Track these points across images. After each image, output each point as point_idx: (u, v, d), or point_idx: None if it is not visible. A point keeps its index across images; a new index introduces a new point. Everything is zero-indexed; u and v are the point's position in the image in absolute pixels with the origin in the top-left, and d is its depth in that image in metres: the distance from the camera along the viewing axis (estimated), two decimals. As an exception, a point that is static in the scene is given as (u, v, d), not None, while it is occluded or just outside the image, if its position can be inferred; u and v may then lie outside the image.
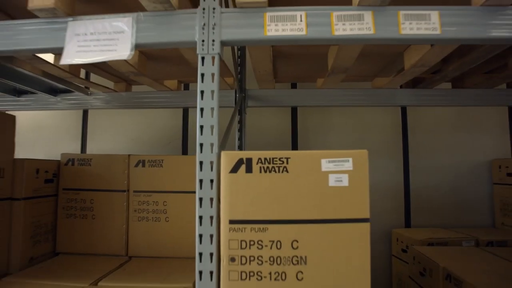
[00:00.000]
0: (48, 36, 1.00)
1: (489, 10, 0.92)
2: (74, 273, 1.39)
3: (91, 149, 2.62)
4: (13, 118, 1.50)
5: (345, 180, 0.81)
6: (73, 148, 2.62)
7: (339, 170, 0.81)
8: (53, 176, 1.70)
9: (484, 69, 1.81)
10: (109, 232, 1.66)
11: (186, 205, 1.62)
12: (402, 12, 0.92)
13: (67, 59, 0.97)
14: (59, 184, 1.72)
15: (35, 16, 1.01)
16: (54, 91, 2.07)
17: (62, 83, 1.89)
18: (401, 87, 2.15)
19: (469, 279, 1.33)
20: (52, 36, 1.00)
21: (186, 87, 2.47)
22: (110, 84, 2.14)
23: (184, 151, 2.53)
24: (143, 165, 1.66)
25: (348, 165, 0.81)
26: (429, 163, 2.49)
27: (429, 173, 2.49)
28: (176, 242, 1.61)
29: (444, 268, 1.53)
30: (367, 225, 0.81)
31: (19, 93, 2.10)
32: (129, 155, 1.69)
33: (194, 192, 1.58)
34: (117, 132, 2.61)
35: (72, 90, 2.03)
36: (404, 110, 2.52)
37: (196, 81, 2.16)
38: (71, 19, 0.99)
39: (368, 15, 0.92)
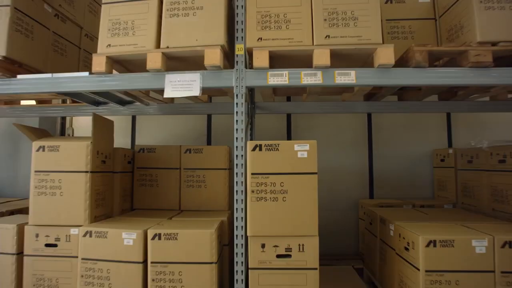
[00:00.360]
0: (155, 81, 1.93)
1: (381, 70, 1.84)
2: (152, 216, 2.32)
3: (138, 142, 3.55)
4: (112, 122, 2.43)
5: (305, 154, 1.73)
6: (126, 142, 3.56)
7: (302, 149, 1.74)
8: (131, 159, 2.64)
9: (414, 88, 2.72)
10: (168, 194, 2.60)
11: (218, 177, 2.55)
12: (336, 71, 1.84)
13: (166, 95, 1.90)
14: (135, 164, 2.66)
15: (146, 71, 1.94)
16: (122, 102, 3.00)
17: (129, 96, 2.82)
18: (364, 97, 3.07)
19: (390, 219, 2.25)
20: (157, 81, 1.93)
21: (209, 100, 3.39)
22: (159, 97, 3.06)
23: (208, 144, 3.47)
24: (190, 152, 2.60)
25: (307, 147, 1.73)
26: (388, 152, 3.42)
27: (388, 160, 3.41)
28: (211, 200, 2.55)
29: (380, 216, 2.45)
30: (316, 176, 1.74)
31: (97, 103, 3.03)
32: (180, 146, 2.63)
33: (224, 169, 2.51)
34: (158, 130, 3.55)
35: (135, 101, 2.97)
36: (369, 115, 3.44)
37: (218, 96, 3.08)
38: (167, 73, 1.92)
39: (319, 73, 1.84)
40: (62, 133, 3.78)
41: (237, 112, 1.83)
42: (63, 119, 3.76)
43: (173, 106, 3.02)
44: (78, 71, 2.76)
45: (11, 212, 2.53)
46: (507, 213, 2.34)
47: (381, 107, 2.85)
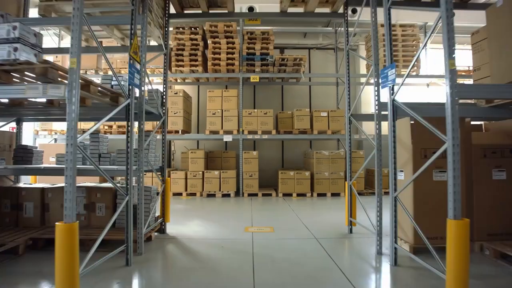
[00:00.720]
0: (221, 136, 8.28)
1: (273, 135, 8.26)
2: (216, 170, 8.64)
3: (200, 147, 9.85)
4: (204, 144, 8.69)
5: (255, 154, 8.12)
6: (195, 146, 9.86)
7: (255, 153, 8.12)
8: (207, 154, 8.94)
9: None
10: (217, 164, 8.93)
11: (233, 160, 8.92)
12: (262, 136, 8.26)
13: (224, 140, 8.25)
14: (208, 155, 8.96)
15: (219, 134, 8.26)
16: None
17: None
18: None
19: (280, 171, 8.69)
20: (221, 136, 8.27)
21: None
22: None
23: (226, 150, 9.81)
24: (224, 152, 8.94)
25: (256, 152, 8.12)
26: (290, 150, 9.94)
27: (289, 154, 9.94)
28: (230, 166, 8.91)
29: (279, 171, 8.89)
30: (257, 159, 8.13)
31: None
32: (221, 150, 8.95)
33: (234, 157, 9.12)
34: (207, 144, 9.85)
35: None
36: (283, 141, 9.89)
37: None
38: (224, 135, 8.27)
39: (259, 135, 8.26)
40: (170, 143, 9.97)
41: (240, 144, 8.21)
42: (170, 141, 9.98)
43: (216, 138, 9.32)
44: (188, 127, 9.00)
45: (168, 170, 8.77)
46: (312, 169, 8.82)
47: (285, 139, 9.28)
